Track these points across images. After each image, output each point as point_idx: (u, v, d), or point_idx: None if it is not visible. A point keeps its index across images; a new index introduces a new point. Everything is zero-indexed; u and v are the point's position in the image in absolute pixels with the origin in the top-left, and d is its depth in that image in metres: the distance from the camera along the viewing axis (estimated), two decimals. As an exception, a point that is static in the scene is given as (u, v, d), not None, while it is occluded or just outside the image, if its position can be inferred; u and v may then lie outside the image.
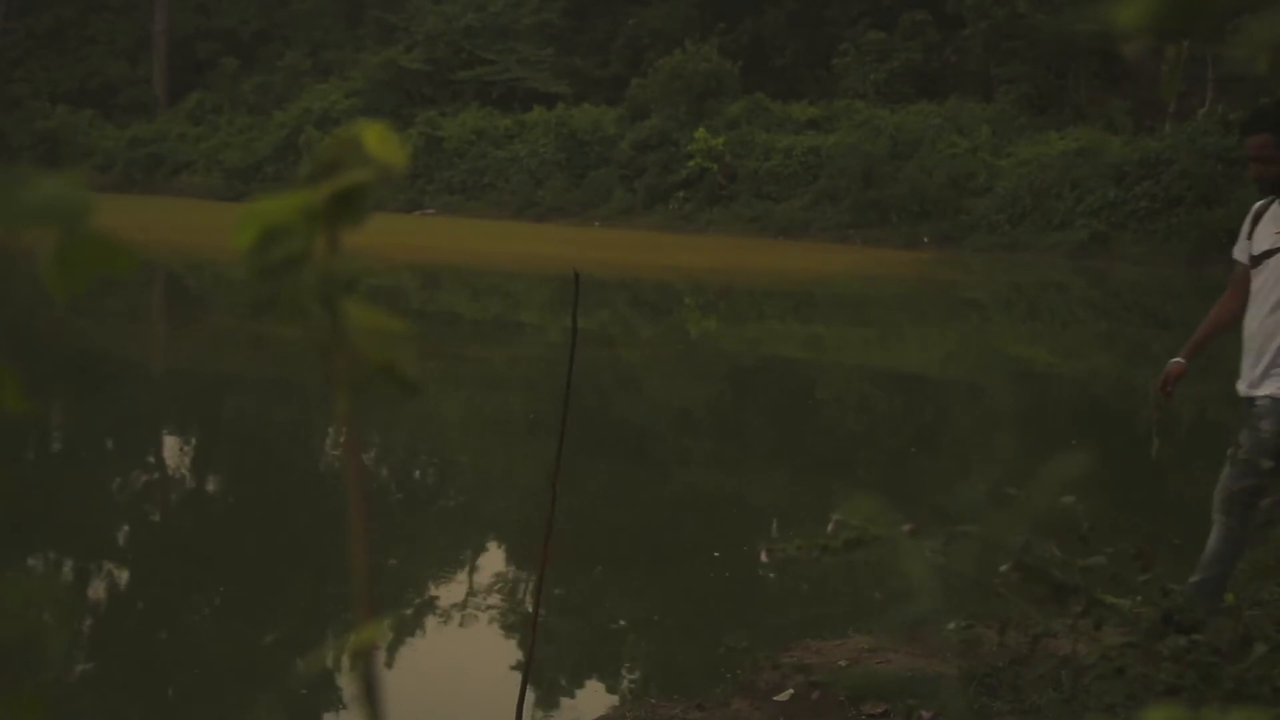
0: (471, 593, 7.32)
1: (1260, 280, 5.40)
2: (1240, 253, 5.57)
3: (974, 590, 2.05)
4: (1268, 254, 5.35)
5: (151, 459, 10.88)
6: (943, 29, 43.86)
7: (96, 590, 7.21)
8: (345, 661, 0.77)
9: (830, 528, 2.41)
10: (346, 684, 6.02)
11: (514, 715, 3.42)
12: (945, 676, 4.80)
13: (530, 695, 5.53)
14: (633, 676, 6.37)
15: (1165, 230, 32.79)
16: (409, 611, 6.94)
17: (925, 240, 36.12)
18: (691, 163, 41.33)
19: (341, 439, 0.85)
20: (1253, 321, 5.47)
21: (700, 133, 41.56)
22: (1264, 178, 5.35)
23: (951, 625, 4.76)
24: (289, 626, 6.85)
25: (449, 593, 7.34)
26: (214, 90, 57.01)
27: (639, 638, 6.89)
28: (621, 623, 7.14)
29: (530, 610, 5.11)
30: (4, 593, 0.74)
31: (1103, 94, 39.95)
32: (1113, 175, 34.36)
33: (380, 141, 0.90)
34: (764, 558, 2.91)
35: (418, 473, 10.91)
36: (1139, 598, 2.76)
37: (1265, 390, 5.30)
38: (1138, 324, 23.65)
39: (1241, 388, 5.44)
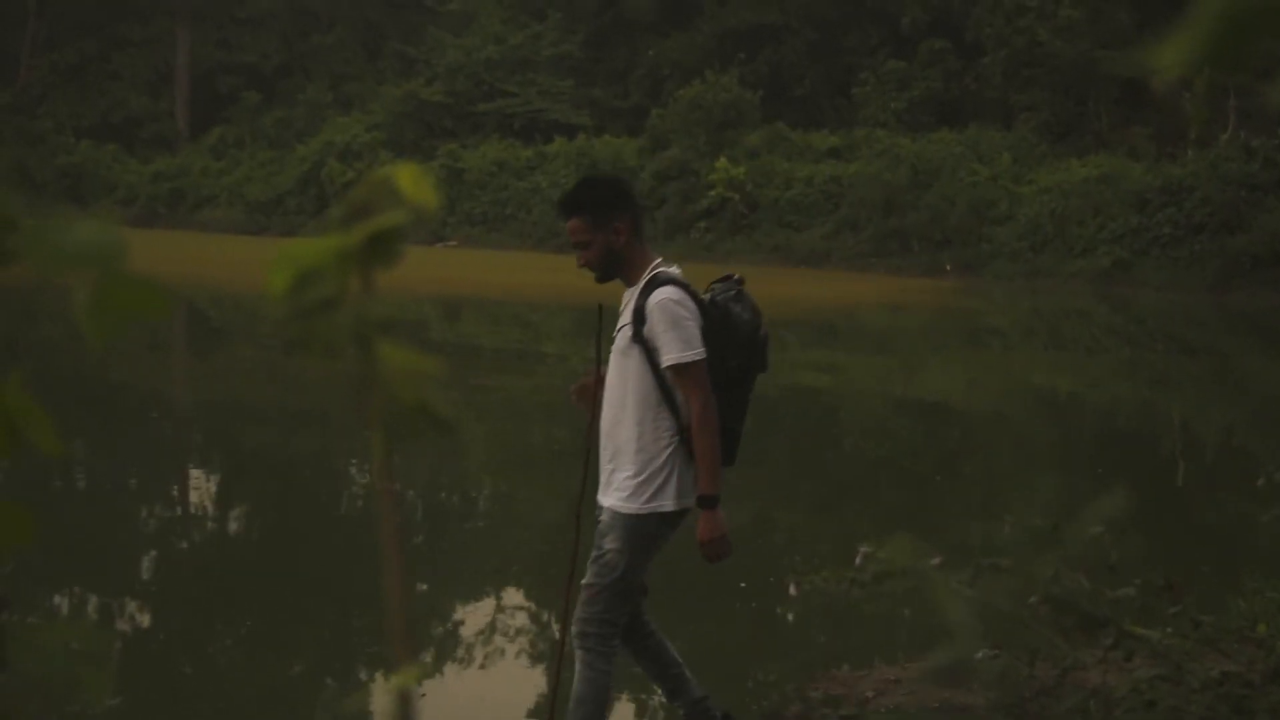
0: (495, 624, 7.31)
1: (608, 373, 4.73)
2: None
3: (1002, 622, 2.04)
4: (612, 342, 4.73)
5: (175, 491, 10.90)
6: (962, 57, 43.91)
7: (121, 623, 7.21)
8: (383, 702, 0.77)
9: (858, 560, 2.40)
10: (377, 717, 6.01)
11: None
12: (973, 708, 4.77)
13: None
14: (655, 709, 6.34)
15: (1188, 257, 32.70)
16: (434, 642, 6.94)
17: (947, 268, 36.09)
18: (712, 193, 41.38)
19: (376, 479, 0.85)
20: (603, 419, 4.74)
21: (721, 163, 41.62)
22: (588, 264, 4.69)
23: (979, 655, 4.73)
24: (315, 659, 6.84)
25: (473, 623, 7.33)
26: (236, 124, 57.33)
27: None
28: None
29: (556, 641, 5.11)
30: (44, 637, 0.74)
31: (1123, 121, 39.93)
32: (1135, 202, 34.29)
33: (413, 183, 0.90)
34: (792, 591, 2.89)
35: (440, 503, 10.91)
36: (1169, 629, 2.74)
37: (609, 501, 4.62)
38: (1161, 351, 23.57)
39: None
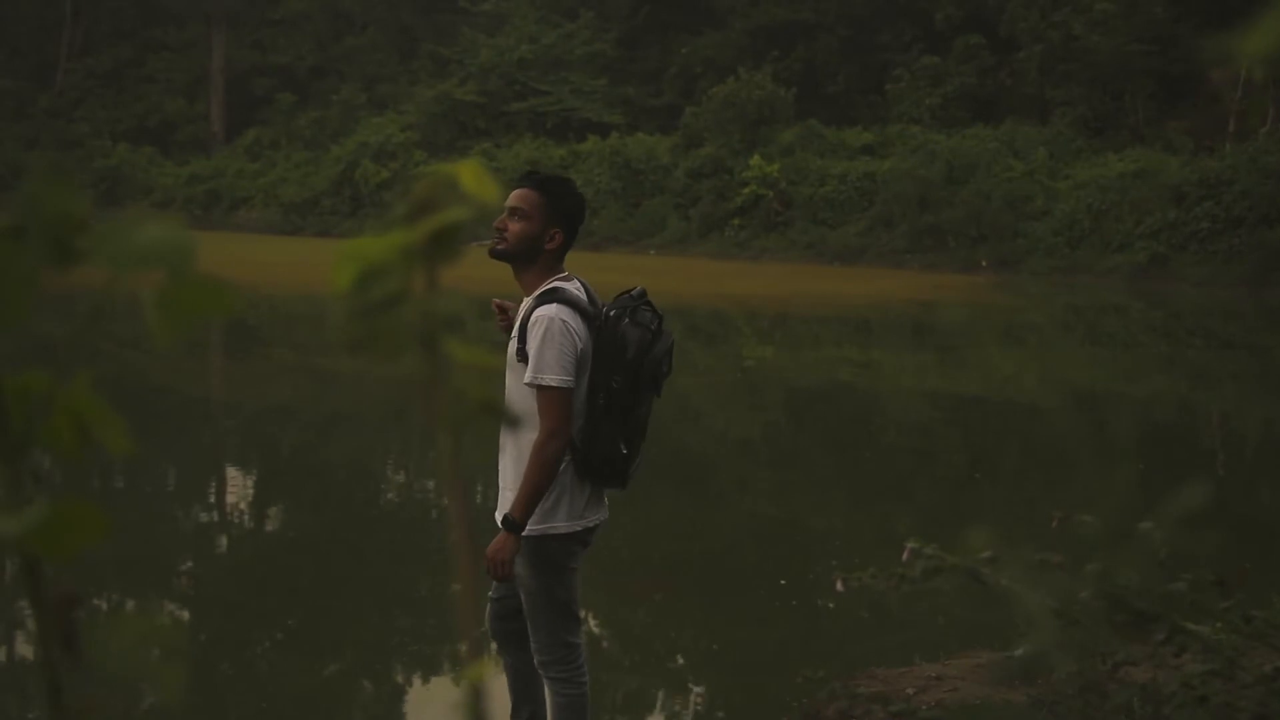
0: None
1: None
2: None
3: (1054, 617, 2.03)
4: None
5: (214, 492, 10.96)
6: (997, 52, 43.73)
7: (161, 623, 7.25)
8: (458, 695, 0.78)
9: (905, 556, 2.39)
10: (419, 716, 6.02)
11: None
12: (1016, 704, 4.75)
13: (597, 726, 5.51)
14: (695, 706, 6.35)
15: (1226, 251, 32.50)
16: (464, 642, 6.94)
17: (983, 264, 35.97)
18: (746, 190, 41.37)
19: (443, 476, 0.85)
20: (501, 439, 4.57)
21: (755, 160, 41.61)
22: (508, 236, 4.48)
23: (1019, 651, 4.69)
24: (355, 659, 6.87)
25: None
26: (271, 126, 57.62)
27: (701, 667, 6.87)
28: (683, 652, 7.12)
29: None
30: (120, 633, 0.75)
31: (1160, 115, 39.69)
32: (1172, 196, 34.08)
33: (474, 179, 0.90)
34: (839, 587, 2.88)
35: (475, 501, 10.92)
36: (1219, 624, 2.72)
37: (500, 514, 4.47)
38: (1199, 346, 23.43)
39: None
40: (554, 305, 4.32)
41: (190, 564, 8.77)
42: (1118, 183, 35.48)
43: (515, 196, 4.41)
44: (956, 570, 2.07)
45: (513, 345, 4.39)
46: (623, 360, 4.36)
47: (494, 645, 4.74)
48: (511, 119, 51.55)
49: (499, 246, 4.42)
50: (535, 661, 4.55)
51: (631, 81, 52.43)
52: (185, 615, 7.55)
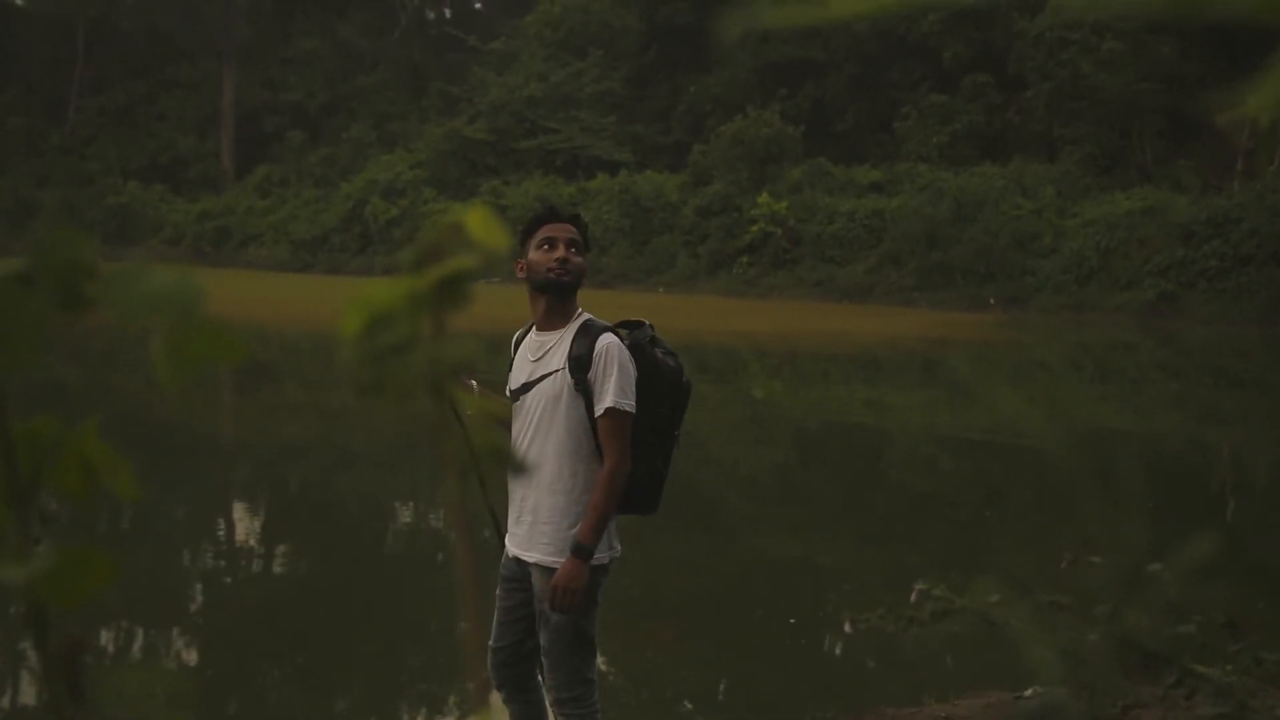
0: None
1: (518, 421, 4.48)
2: (508, 388, 4.64)
3: (1064, 659, 2.02)
4: (524, 388, 4.50)
5: (221, 529, 10.95)
6: (1004, 90, 43.86)
7: (169, 660, 7.24)
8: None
9: (913, 597, 2.39)
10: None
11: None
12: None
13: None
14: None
15: (1235, 289, 32.49)
16: (471, 684, 6.91)
17: (991, 302, 35.97)
18: (755, 228, 41.44)
19: (451, 522, 0.85)
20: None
21: (763, 198, 41.70)
22: (572, 268, 4.52)
23: (1028, 692, 4.67)
24: (364, 697, 6.84)
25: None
26: (281, 163, 57.86)
27: (709, 707, 6.84)
28: (691, 691, 7.09)
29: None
30: (126, 680, 0.75)
31: (1168, 153, 39.75)
32: (1180, 234, 34.12)
33: (482, 225, 0.91)
34: (847, 629, 2.86)
35: (483, 538, 10.91)
36: (1229, 667, 2.70)
37: (535, 556, 4.43)
38: (1209, 384, 23.39)
39: (509, 544, 4.54)
40: (611, 335, 4.41)
41: (199, 601, 8.75)
42: (1126, 220, 35.51)
43: (571, 230, 4.52)
44: (965, 612, 2.06)
45: (562, 378, 4.39)
46: (664, 385, 4.46)
47: (500, 692, 4.66)
48: (521, 156, 51.75)
49: (565, 279, 4.46)
50: (551, 700, 4.48)
51: (640, 119, 52.63)
52: (194, 652, 7.53)
